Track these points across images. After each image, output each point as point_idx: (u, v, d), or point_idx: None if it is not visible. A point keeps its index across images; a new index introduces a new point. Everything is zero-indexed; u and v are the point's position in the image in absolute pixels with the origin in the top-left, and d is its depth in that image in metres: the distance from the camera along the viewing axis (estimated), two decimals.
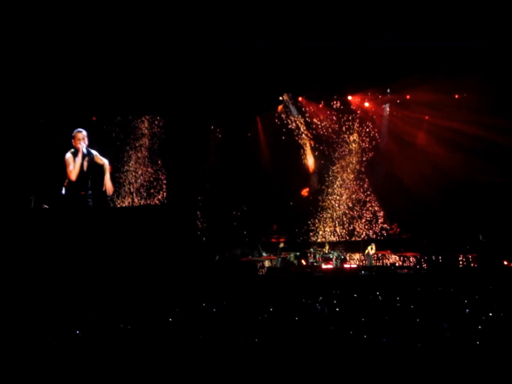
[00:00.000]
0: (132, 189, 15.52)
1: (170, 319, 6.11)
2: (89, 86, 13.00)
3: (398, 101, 16.53)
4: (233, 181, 16.27)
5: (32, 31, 10.19)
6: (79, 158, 8.48)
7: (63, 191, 8.56)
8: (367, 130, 17.04)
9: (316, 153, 17.25)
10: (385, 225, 16.66)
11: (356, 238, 16.81)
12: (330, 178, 17.24)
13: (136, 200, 15.46)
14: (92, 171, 8.63)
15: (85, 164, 8.60)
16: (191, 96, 14.72)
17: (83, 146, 8.51)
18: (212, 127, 16.29)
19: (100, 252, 8.81)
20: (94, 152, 8.81)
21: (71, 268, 8.38)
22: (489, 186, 15.35)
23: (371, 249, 15.43)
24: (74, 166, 8.46)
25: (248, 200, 16.56)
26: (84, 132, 8.68)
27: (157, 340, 5.35)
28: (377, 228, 16.83)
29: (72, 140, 8.62)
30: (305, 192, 17.13)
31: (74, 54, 11.41)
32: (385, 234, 16.58)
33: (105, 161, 8.84)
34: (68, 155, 8.59)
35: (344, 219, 17.09)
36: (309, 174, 17.31)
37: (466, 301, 7.53)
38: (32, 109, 13.28)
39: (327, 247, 15.69)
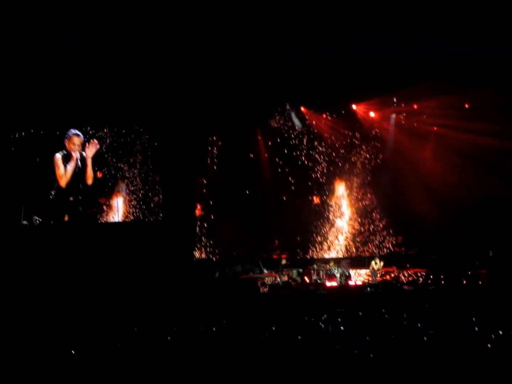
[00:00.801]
0: (127, 203, 15.38)
1: (169, 338, 5.99)
2: (84, 97, 12.89)
3: (405, 111, 16.38)
4: (233, 195, 16.14)
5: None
6: (71, 166, 8.17)
7: (51, 196, 8.28)
8: (373, 141, 16.89)
9: (319, 165, 17.11)
10: (391, 239, 16.47)
11: (361, 253, 16.61)
12: (334, 191, 17.08)
13: (132, 214, 15.33)
14: (82, 175, 8.32)
15: (77, 170, 8.28)
16: (189, 107, 14.65)
17: (77, 154, 8.18)
18: (210, 139, 16.19)
19: (95, 268, 8.62)
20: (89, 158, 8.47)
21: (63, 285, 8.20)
22: (500, 200, 15.16)
23: (375, 264, 15.20)
24: (65, 173, 8.17)
25: (248, 214, 16.41)
26: (82, 137, 8.32)
27: (154, 359, 5.24)
28: (382, 242, 16.63)
29: (66, 141, 8.27)
30: (317, 199, 16.94)
31: (64, 61, 11.36)
32: (391, 248, 16.37)
33: (91, 175, 8.44)
34: (58, 156, 8.17)
35: (349, 234, 16.91)
36: (312, 187, 17.15)
37: (474, 319, 7.37)
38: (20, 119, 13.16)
39: (331, 264, 15.46)
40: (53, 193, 8.25)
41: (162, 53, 11.38)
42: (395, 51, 11.96)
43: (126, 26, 10.05)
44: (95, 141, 8.47)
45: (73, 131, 8.30)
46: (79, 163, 8.27)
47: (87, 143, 8.40)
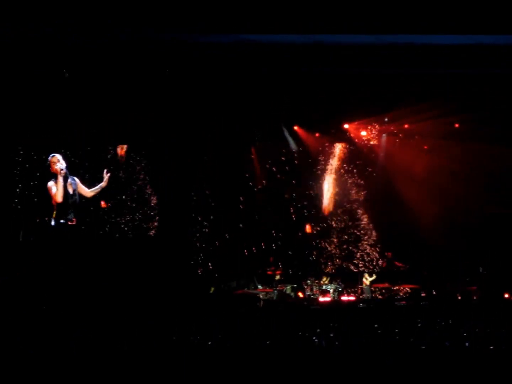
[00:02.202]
0: (123, 220, 15.40)
1: (164, 351, 6.04)
2: (80, 103, 12.92)
3: (396, 130, 16.50)
4: (228, 212, 16.22)
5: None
6: (60, 179, 8.35)
7: (53, 223, 8.37)
8: (364, 160, 17.04)
9: (313, 184, 17.24)
10: (381, 255, 16.58)
11: (354, 270, 16.67)
12: (327, 209, 17.19)
13: (127, 230, 15.34)
14: (78, 197, 8.47)
15: (70, 187, 8.47)
16: (185, 126, 14.73)
17: (61, 167, 8.38)
18: (205, 158, 16.27)
19: (91, 284, 8.66)
20: (77, 179, 8.72)
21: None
22: (491, 217, 15.30)
23: (366, 279, 15.30)
24: (57, 188, 8.33)
25: (244, 231, 16.48)
26: (58, 156, 8.57)
27: (151, 373, 5.30)
28: (374, 259, 16.73)
29: (50, 168, 8.52)
30: (308, 229, 17.05)
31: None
32: (380, 264, 16.45)
33: (86, 190, 8.62)
34: (50, 183, 8.44)
35: (341, 250, 16.99)
36: (305, 206, 17.24)
37: (465, 334, 7.46)
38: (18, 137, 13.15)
39: (324, 279, 15.55)
40: (53, 220, 8.34)
41: (161, 55, 11.36)
42: (387, 70, 12.11)
43: (125, 26, 10.01)
44: (107, 179, 8.78)
45: (50, 155, 8.59)
46: (69, 179, 8.47)
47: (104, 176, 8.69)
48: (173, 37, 10.47)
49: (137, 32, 10.23)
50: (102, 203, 14.53)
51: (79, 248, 8.52)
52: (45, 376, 4.81)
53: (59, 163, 8.45)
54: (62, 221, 8.35)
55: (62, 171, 8.37)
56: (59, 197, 8.31)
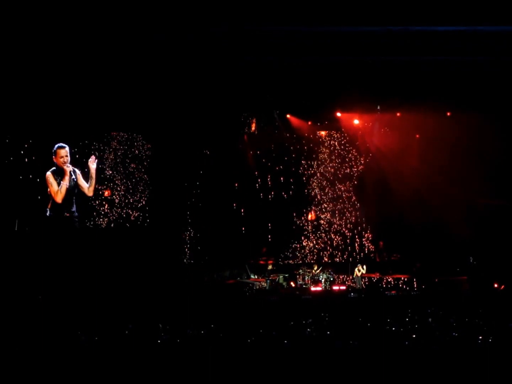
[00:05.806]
0: (116, 210, 15.42)
1: (159, 341, 6.08)
2: (75, 102, 12.87)
3: (387, 119, 16.54)
4: (221, 203, 16.27)
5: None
6: (65, 181, 8.08)
7: (48, 213, 8.20)
8: (357, 148, 17.10)
9: (305, 172, 17.30)
10: (372, 246, 16.68)
11: (345, 259, 16.76)
12: (319, 198, 17.26)
13: (120, 220, 15.36)
14: (76, 192, 8.29)
15: (72, 183, 8.26)
16: (181, 118, 14.73)
17: (69, 166, 8.12)
18: (203, 149, 16.30)
19: (83, 274, 8.63)
20: (78, 171, 8.49)
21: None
22: (482, 208, 15.40)
23: (358, 271, 15.40)
24: (60, 189, 8.07)
25: (237, 221, 16.55)
26: (67, 148, 8.25)
27: (145, 361, 5.34)
28: (365, 248, 16.83)
29: (53, 157, 8.21)
30: (312, 216, 17.14)
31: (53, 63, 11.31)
32: (372, 255, 16.55)
33: (85, 185, 8.39)
34: (49, 174, 8.05)
35: (333, 239, 17.07)
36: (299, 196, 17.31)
37: (455, 324, 7.55)
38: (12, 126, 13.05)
39: (315, 268, 15.63)
40: (48, 210, 8.12)
41: (160, 51, 11.34)
42: (379, 59, 12.14)
43: (124, 26, 9.99)
44: (93, 156, 8.50)
45: (57, 144, 8.24)
46: (73, 175, 8.24)
47: (91, 158, 8.43)
48: (170, 33, 10.46)
49: (137, 31, 10.22)
50: (106, 192, 14.57)
51: (74, 240, 8.43)
52: (45, 376, 4.82)
53: (67, 158, 8.11)
54: (57, 213, 8.15)
55: (69, 170, 8.10)
56: (59, 199, 8.03)
